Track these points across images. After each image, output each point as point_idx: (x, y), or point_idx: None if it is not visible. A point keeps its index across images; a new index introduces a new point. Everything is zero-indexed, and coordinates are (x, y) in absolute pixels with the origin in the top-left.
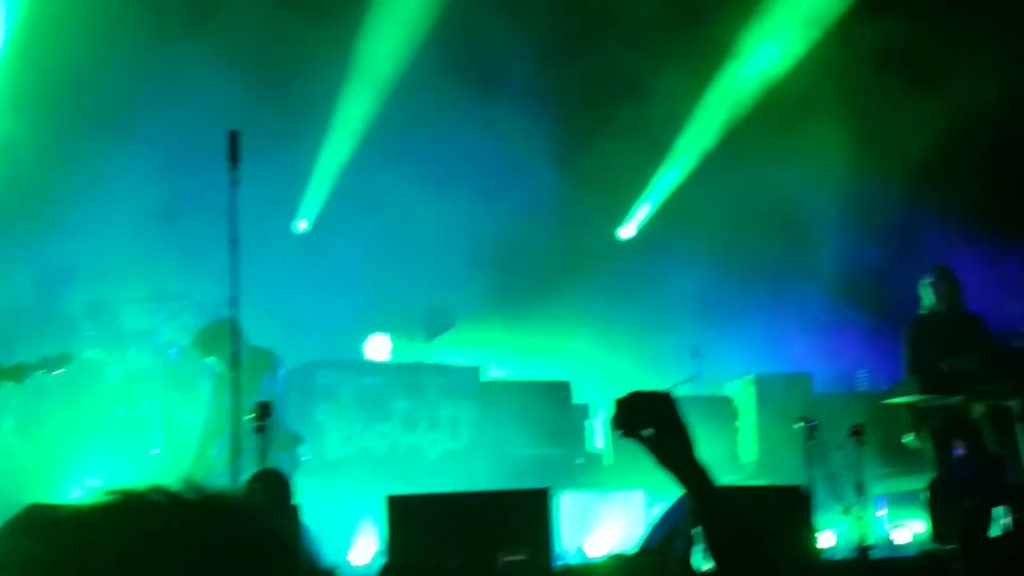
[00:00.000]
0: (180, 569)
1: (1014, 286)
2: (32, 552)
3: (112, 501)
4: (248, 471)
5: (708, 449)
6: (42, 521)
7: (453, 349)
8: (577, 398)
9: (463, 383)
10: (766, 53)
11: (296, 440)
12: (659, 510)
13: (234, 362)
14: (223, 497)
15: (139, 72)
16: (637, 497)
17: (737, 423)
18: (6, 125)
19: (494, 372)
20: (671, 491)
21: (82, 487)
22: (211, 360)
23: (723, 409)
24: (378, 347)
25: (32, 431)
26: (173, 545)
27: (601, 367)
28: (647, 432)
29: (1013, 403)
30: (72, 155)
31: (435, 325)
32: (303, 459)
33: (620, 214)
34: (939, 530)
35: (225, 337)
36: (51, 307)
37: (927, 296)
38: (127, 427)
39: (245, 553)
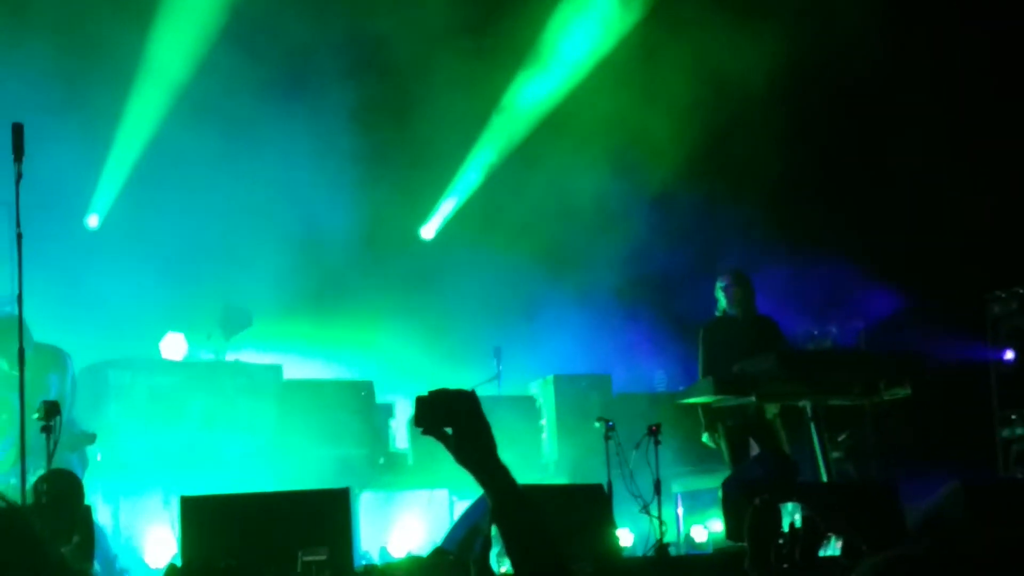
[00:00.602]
0: None
1: (806, 295)
2: None
3: None
4: (36, 471)
5: (512, 448)
6: None
7: (254, 348)
8: (380, 397)
9: (263, 382)
10: (563, 54)
11: (87, 439)
12: (463, 509)
13: (19, 360)
14: None
15: None
16: (441, 496)
17: (539, 423)
18: None
19: (296, 371)
20: (476, 490)
21: None
22: None
23: (527, 408)
24: (173, 346)
25: None
26: None
27: (404, 366)
28: (448, 430)
29: (805, 404)
30: None
31: (232, 323)
32: (95, 459)
33: (422, 214)
34: (733, 528)
35: (9, 334)
36: None
37: (722, 299)
38: None
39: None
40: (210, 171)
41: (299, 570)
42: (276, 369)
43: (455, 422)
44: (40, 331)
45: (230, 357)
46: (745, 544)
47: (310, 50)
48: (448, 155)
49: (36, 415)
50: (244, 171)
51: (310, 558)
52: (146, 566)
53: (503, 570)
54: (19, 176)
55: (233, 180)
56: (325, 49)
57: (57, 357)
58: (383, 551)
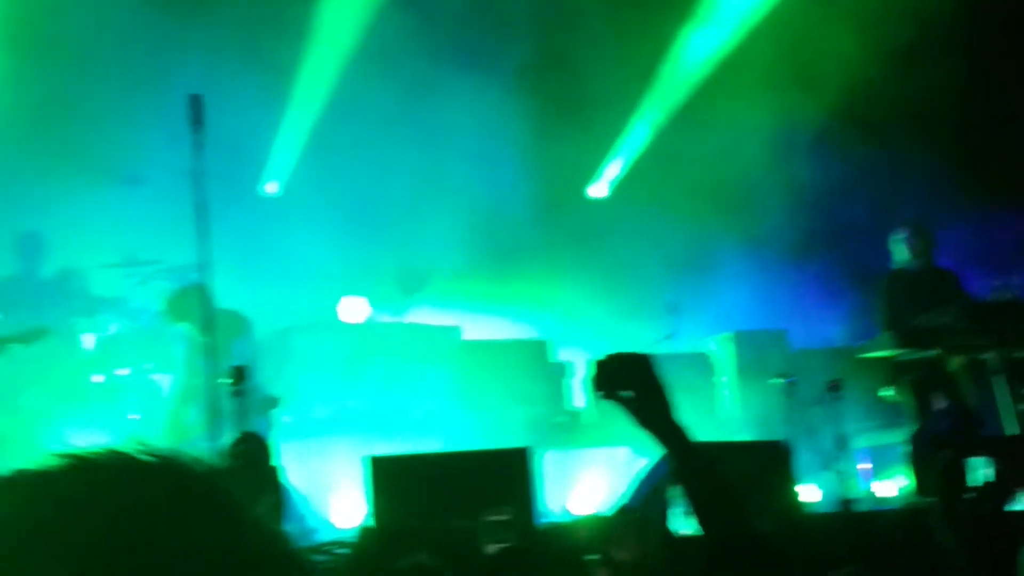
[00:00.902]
0: (125, 533)
1: (988, 247)
2: None
3: (62, 465)
4: (226, 435)
5: (690, 406)
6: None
7: (432, 309)
8: (557, 356)
9: (442, 343)
10: (731, 2)
11: (273, 403)
12: (643, 466)
13: (206, 327)
14: (177, 459)
15: (103, 36)
16: (622, 453)
17: (715, 379)
18: None
19: (474, 332)
20: (656, 448)
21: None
22: (182, 325)
23: (704, 365)
24: (353, 309)
25: (10, 401)
26: (120, 509)
27: (581, 324)
28: (626, 393)
29: (989, 356)
30: (38, 120)
31: (409, 285)
32: (282, 422)
33: (593, 171)
34: (922, 483)
35: (195, 302)
36: (26, 276)
37: (900, 252)
38: (104, 394)
39: (196, 516)
40: (385, 134)
41: (482, 529)
42: (454, 330)
43: (633, 385)
44: (224, 297)
45: (409, 319)
46: (933, 499)
47: (483, 9)
48: (619, 112)
49: (226, 379)
50: (419, 133)
51: (494, 518)
52: (333, 527)
53: (685, 532)
54: (199, 146)
55: (409, 142)
56: (496, 8)
57: (242, 322)
58: (564, 509)
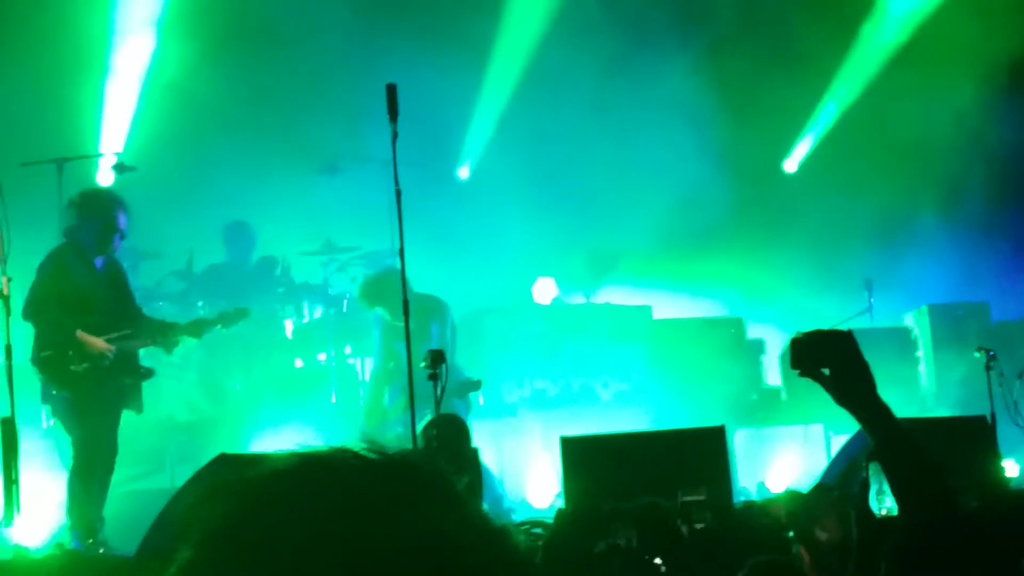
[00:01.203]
0: (359, 529)
1: None
2: (219, 514)
3: (296, 463)
4: (424, 417)
5: (889, 383)
6: (229, 484)
7: (621, 289)
8: (750, 333)
9: (633, 323)
10: None
11: (469, 386)
12: (840, 443)
13: (404, 311)
14: (404, 456)
15: (302, 29)
16: (817, 431)
17: (914, 355)
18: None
19: (665, 311)
20: (852, 424)
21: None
22: (378, 310)
23: (902, 340)
24: (544, 291)
25: (214, 384)
26: (353, 505)
27: (774, 302)
28: (825, 371)
29: None
30: (242, 113)
31: (599, 266)
32: (478, 403)
33: (783, 149)
34: None
35: (391, 287)
36: (232, 264)
37: None
38: (304, 377)
39: (426, 511)
40: (576, 115)
41: (679, 509)
42: (645, 310)
43: (832, 363)
44: (420, 282)
45: (599, 300)
46: None
47: None
48: (813, 85)
49: (423, 363)
50: (612, 113)
51: (690, 498)
52: (529, 506)
53: (884, 511)
54: (395, 135)
55: (600, 123)
56: None
57: (437, 306)
58: (760, 487)
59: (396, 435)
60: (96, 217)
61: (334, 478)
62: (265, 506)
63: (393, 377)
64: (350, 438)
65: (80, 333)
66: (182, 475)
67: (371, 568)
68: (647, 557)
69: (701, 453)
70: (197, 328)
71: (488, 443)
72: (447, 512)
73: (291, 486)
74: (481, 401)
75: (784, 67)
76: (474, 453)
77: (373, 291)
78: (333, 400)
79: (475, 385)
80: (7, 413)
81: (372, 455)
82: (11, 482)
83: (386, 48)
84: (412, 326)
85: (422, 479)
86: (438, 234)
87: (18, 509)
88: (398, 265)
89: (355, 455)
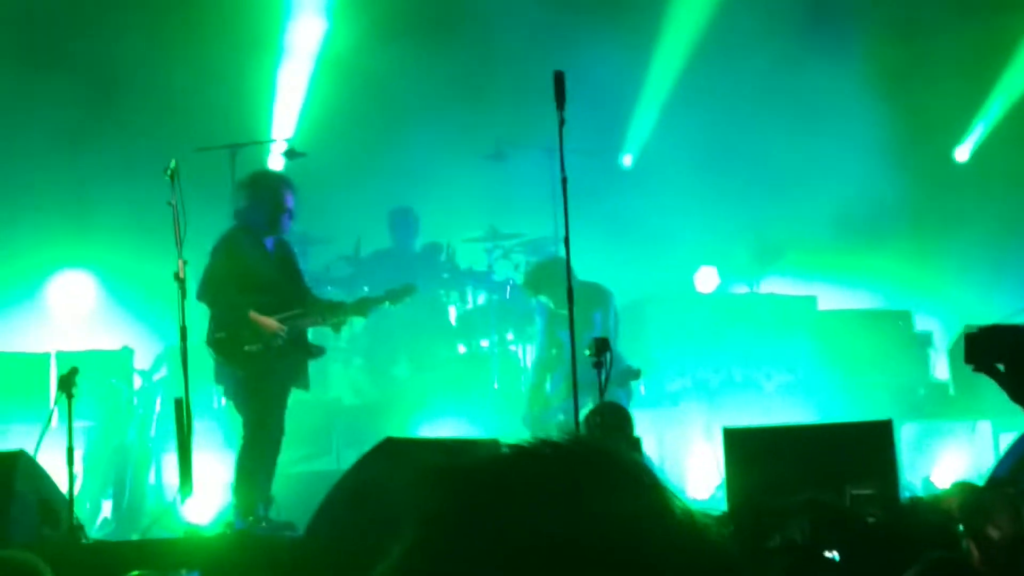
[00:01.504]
0: (567, 519)
1: None
2: (434, 504)
3: (506, 455)
4: (587, 405)
5: None
6: (448, 470)
7: (784, 280)
8: (918, 326)
9: (797, 313)
10: None
11: (630, 374)
12: (1008, 441)
13: (568, 299)
14: (609, 450)
15: (468, 14)
16: (984, 427)
17: None
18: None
19: (830, 302)
20: (1021, 422)
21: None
22: (542, 298)
23: None
24: (707, 280)
25: (380, 369)
26: (565, 496)
27: (941, 295)
28: (1000, 366)
29: None
30: (409, 100)
31: (764, 255)
32: (639, 392)
33: (955, 137)
34: None
35: (555, 275)
36: (398, 250)
37: None
38: (467, 363)
39: (629, 501)
40: (740, 105)
41: (848, 503)
42: (810, 300)
43: (1008, 358)
44: (583, 270)
45: (763, 289)
46: None
47: None
48: (984, 73)
49: (587, 351)
50: (778, 103)
51: (858, 492)
52: (690, 496)
53: None
54: (562, 122)
55: (766, 113)
56: None
57: (600, 294)
58: (926, 482)
59: (558, 422)
60: (265, 198)
61: (548, 467)
62: (485, 491)
63: (556, 364)
64: (512, 424)
65: (253, 313)
66: (347, 458)
67: (590, 553)
68: (821, 552)
69: (868, 447)
70: (363, 307)
71: (649, 432)
72: (654, 500)
73: (507, 474)
74: (643, 390)
75: (956, 59)
76: (636, 442)
77: (537, 279)
78: (495, 386)
79: (636, 374)
80: (181, 394)
81: (578, 447)
82: (185, 462)
83: (553, 34)
84: (575, 314)
85: (625, 472)
86: (602, 222)
87: (190, 489)
88: (562, 253)
89: (560, 446)
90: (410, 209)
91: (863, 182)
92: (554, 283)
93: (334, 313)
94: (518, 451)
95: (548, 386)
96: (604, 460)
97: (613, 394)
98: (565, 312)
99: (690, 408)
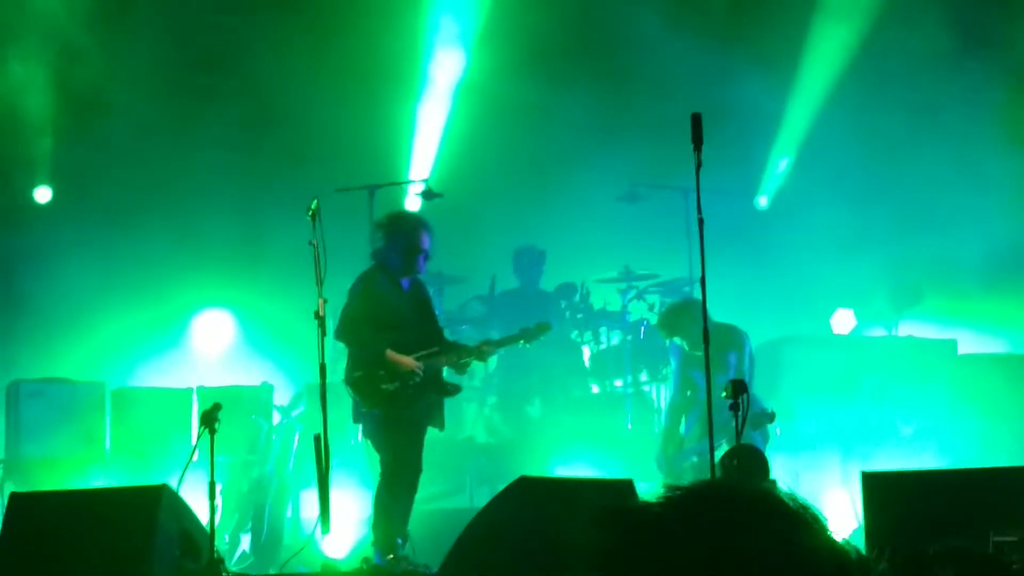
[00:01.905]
0: (733, 562)
1: None
2: (613, 545)
3: (674, 497)
4: (722, 447)
5: None
6: (616, 515)
7: (925, 325)
8: None
9: (937, 357)
10: None
11: (769, 418)
12: None
13: (704, 340)
14: (774, 495)
15: (598, 54)
16: None
17: None
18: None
19: (970, 346)
20: None
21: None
22: (676, 340)
23: None
24: (843, 322)
25: (513, 408)
26: (725, 538)
27: None
28: None
29: None
30: (543, 138)
31: (902, 298)
32: (775, 434)
33: None
34: None
35: (690, 316)
36: (527, 290)
37: None
38: (600, 403)
39: (799, 549)
40: (878, 146)
41: (991, 551)
42: (950, 344)
43: None
44: (717, 310)
45: (901, 332)
46: None
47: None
48: None
49: (723, 394)
50: (918, 146)
51: (1000, 539)
52: None
53: None
54: (699, 164)
55: (904, 153)
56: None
57: (735, 336)
58: None
59: (691, 464)
60: (402, 238)
61: (714, 508)
62: (656, 531)
63: (690, 406)
64: (646, 465)
65: (390, 352)
66: (480, 496)
67: None
68: None
69: (1010, 493)
70: (483, 352)
71: (785, 475)
72: (818, 551)
73: (675, 516)
74: (778, 432)
75: None
76: (774, 485)
77: (672, 321)
78: (629, 427)
79: (770, 417)
80: (319, 430)
81: (744, 491)
82: (324, 497)
83: (689, 72)
84: (710, 355)
85: (793, 517)
86: (737, 263)
87: (328, 524)
88: (697, 294)
89: (726, 488)
90: (534, 247)
91: (1008, 224)
92: (689, 324)
93: (464, 355)
94: (671, 496)
95: (682, 428)
96: (770, 501)
97: (747, 436)
98: (700, 353)
99: (826, 452)
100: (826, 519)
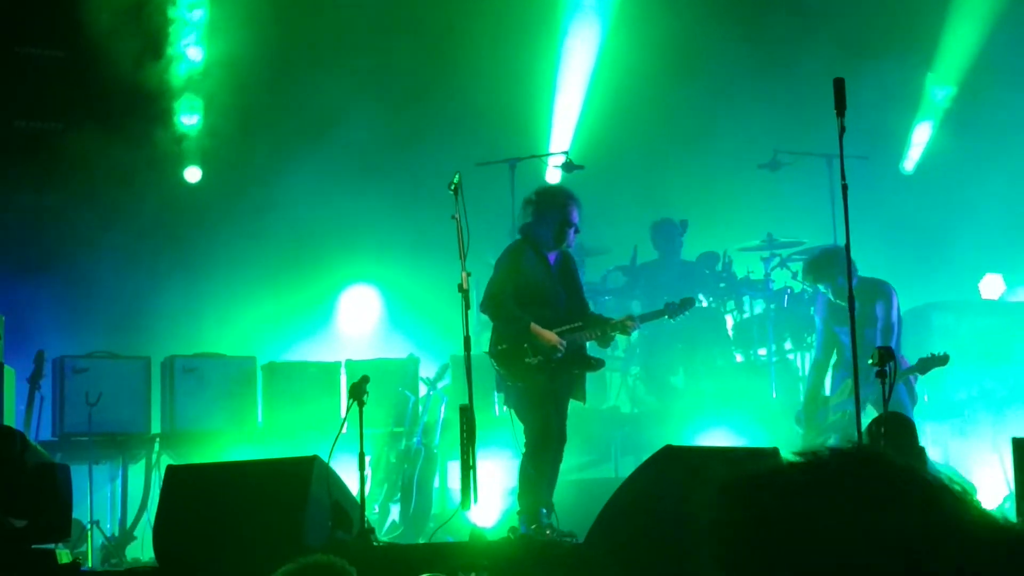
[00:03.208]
0: (860, 534)
1: None
2: (741, 517)
3: (795, 465)
4: (865, 405)
5: None
6: (740, 483)
7: None
8: None
9: None
10: None
11: (939, 360)
12: None
13: (848, 294)
14: (892, 460)
15: (745, 21)
16: None
17: None
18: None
19: None
20: None
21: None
22: (820, 287)
23: None
24: (993, 286)
25: (657, 378)
26: (859, 510)
27: None
28: None
29: None
30: (685, 108)
31: None
32: (922, 401)
33: None
34: None
35: (835, 264)
36: (668, 261)
37: None
38: (744, 372)
39: (922, 515)
40: None
41: None
42: None
43: None
44: (867, 268)
45: None
46: None
47: None
48: None
49: (870, 360)
50: None
51: None
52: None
53: None
54: (842, 129)
55: None
56: None
57: (881, 287)
58: None
59: (834, 421)
60: (552, 213)
61: (840, 478)
62: (776, 503)
63: (836, 365)
64: (791, 434)
65: (534, 326)
66: (625, 466)
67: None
68: None
69: None
70: (626, 326)
71: (933, 442)
72: (951, 512)
73: (796, 485)
74: (926, 398)
75: None
76: (921, 452)
77: (817, 267)
78: (773, 395)
79: (942, 360)
80: (465, 401)
81: (864, 458)
82: (469, 467)
83: (827, 38)
84: (856, 308)
85: (918, 480)
86: (882, 228)
87: (475, 496)
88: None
89: (846, 455)
90: (671, 219)
91: None
92: (834, 272)
93: (608, 329)
94: (808, 461)
95: (828, 387)
96: (895, 473)
97: (896, 394)
98: (843, 304)
99: (976, 418)
100: (975, 490)
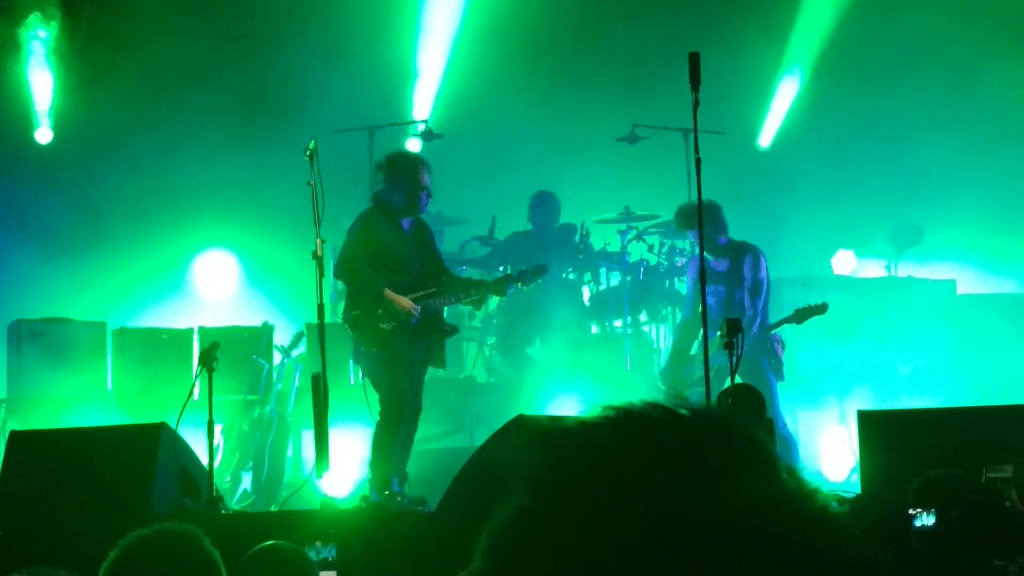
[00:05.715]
0: (676, 482)
1: None
2: (537, 464)
3: (612, 417)
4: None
5: None
6: (545, 434)
7: (926, 265)
8: None
9: (936, 298)
10: None
11: (816, 310)
12: None
13: (716, 244)
14: (713, 412)
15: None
16: None
17: None
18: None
19: (970, 286)
20: None
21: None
22: (690, 234)
23: None
24: (844, 262)
25: (513, 348)
26: (671, 458)
27: None
28: None
29: None
30: (543, 80)
31: (903, 238)
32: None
33: None
34: None
35: (708, 216)
36: (537, 232)
37: None
38: (599, 344)
39: (738, 466)
40: (878, 86)
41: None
42: (949, 284)
43: None
44: None
45: (902, 273)
46: None
47: None
48: None
49: (719, 332)
50: (922, 83)
51: (995, 474)
52: (825, 478)
53: None
54: (696, 103)
55: (907, 92)
56: None
57: (750, 250)
58: None
59: (699, 377)
60: (403, 178)
61: (642, 428)
62: (581, 459)
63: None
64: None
65: (388, 292)
66: (480, 436)
67: (688, 521)
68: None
69: (1008, 431)
70: (501, 286)
71: (783, 413)
72: (759, 468)
73: (606, 441)
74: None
75: None
76: (770, 423)
77: (690, 212)
78: (627, 367)
79: (820, 309)
80: (319, 369)
81: (683, 410)
82: (322, 436)
83: (687, 15)
84: (727, 267)
85: (734, 435)
86: (736, 203)
87: (327, 464)
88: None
89: (666, 408)
90: (551, 194)
91: (1010, 164)
92: (705, 222)
93: (472, 291)
94: (626, 414)
95: (695, 345)
96: (712, 425)
97: (756, 367)
98: (711, 258)
99: (824, 391)
100: (801, 470)
